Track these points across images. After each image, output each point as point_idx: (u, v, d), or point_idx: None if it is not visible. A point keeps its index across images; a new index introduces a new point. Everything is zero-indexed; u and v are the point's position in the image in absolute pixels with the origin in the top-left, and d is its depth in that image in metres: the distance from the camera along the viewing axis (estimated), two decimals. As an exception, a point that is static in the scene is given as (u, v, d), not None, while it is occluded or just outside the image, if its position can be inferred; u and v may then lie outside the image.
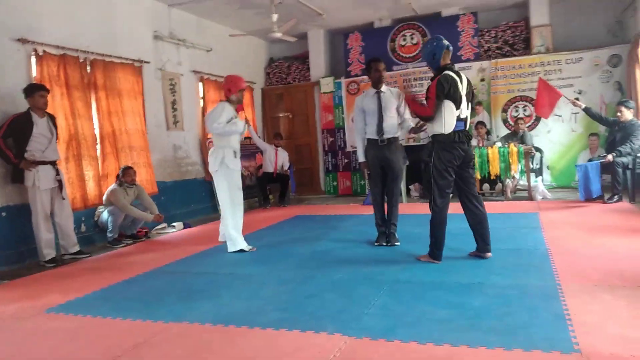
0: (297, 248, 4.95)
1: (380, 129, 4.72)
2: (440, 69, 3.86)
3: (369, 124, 4.79)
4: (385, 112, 4.72)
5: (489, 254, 4.04)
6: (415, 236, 5.00)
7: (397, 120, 4.78)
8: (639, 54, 7.05)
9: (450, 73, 3.79)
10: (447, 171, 3.91)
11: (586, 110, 6.91)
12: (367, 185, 5.13)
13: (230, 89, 5.09)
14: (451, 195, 4.03)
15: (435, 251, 3.98)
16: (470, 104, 3.98)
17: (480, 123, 7.94)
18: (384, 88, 4.82)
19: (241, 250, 4.96)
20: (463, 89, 3.85)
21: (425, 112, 3.91)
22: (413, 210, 6.59)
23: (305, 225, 6.33)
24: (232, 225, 5.01)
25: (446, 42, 3.87)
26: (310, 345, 2.55)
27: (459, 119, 3.85)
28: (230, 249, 4.99)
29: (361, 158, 4.91)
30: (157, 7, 7.28)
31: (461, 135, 3.86)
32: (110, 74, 6.26)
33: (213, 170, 5.08)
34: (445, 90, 3.75)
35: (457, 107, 3.81)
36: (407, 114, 4.78)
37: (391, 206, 4.87)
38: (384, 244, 4.82)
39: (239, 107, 5.22)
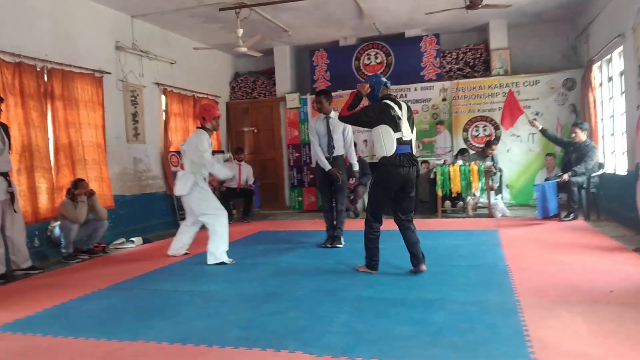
0: (260, 264, 4.88)
1: (330, 148, 5.47)
2: (380, 99, 4.13)
3: (321, 144, 5.53)
4: (333, 135, 5.46)
5: (423, 267, 4.17)
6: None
7: (342, 141, 5.52)
8: (591, 78, 7.37)
9: (386, 101, 4.06)
10: (383, 191, 4.12)
11: (543, 132, 7.14)
12: (336, 200, 5.60)
13: (205, 117, 5.10)
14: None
15: (371, 262, 4.24)
16: (413, 128, 4.16)
17: (465, 150, 8.20)
18: (331, 114, 5.49)
19: (222, 263, 4.95)
20: (403, 115, 4.05)
21: (342, 111, 4.20)
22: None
23: (269, 241, 6.26)
24: (221, 242, 4.99)
25: (384, 80, 4.19)
26: (271, 364, 2.50)
27: (401, 142, 4.00)
28: (211, 261, 4.95)
29: (327, 167, 5.46)
30: (120, 18, 7.16)
31: (402, 159, 4.00)
32: (69, 84, 6.09)
33: (182, 193, 5.09)
34: (369, 112, 4.06)
35: (395, 130, 3.97)
36: (350, 137, 5.57)
37: (337, 212, 5.55)
38: (329, 245, 5.47)
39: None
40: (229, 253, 5.06)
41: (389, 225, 4.40)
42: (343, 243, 5.51)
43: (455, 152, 8.42)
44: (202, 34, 8.57)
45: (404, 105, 4.12)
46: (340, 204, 5.56)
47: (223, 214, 5.11)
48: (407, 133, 4.05)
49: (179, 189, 5.12)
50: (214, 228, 5.02)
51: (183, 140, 8.27)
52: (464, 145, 8.71)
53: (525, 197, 8.38)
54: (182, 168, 5.28)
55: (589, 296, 3.32)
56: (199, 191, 5.09)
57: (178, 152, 8.14)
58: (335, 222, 5.59)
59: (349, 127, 5.51)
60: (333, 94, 9.21)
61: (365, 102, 4.26)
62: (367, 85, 4.18)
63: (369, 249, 4.24)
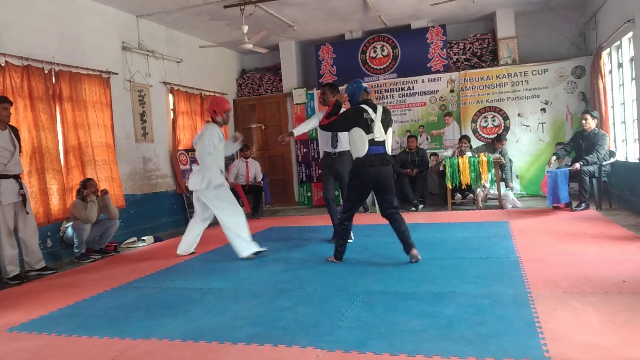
0: (271, 260, 4.90)
1: (334, 143, 5.33)
2: (358, 104, 4.42)
3: (324, 138, 5.43)
4: None
5: (415, 251, 4.33)
6: (387, 245, 5.01)
7: (347, 136, 5.26)
8: (601, 65, 7.28)
9: (362, 105, 4.35)
10: (356, 189, 4.41)
11: (557, 155, 6.98)
12: (342, 196, 5.53)
13: (215, 110, 5.13)
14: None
15: (337, 252, 4.55)
16: (387, 129, 4.40)
17: (465, 137, 8.02)
18: None
19: (257, 253, 5.02)
20: (377, 117, 4.30)
21: (321, 121, 4.53)
22: (384, 220, 6.60)
23: (279, 237, 6.28)
24: (239, 233, 5.03)
25: (364, 85, 4.52)
26: (282, 359, 2.51)
27: (374, 142, 4.28)
28: (245, 253, 5.00)
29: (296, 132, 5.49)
30: (125, 18, 7.18)
31: (373, 159, 4.27)
32: (77, 85, 6.13)
33: (198, 188, 5.06)
34: (342, 116, 4.39)
35: (368, 132, 4.25)
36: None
37: None
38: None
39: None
40: (230, 252, 5.12)
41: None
42: (353, 238, 5.49)
43: (470, 145, 8.31)
44: (208, 32, 8.58)
45: (379, 108, 4.38)
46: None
47: (239, 210, 5.14)
48: (380, 134, 4.31)
49: (196, 184, 5.06)
50: (230, 225, 5.03)
51: (191, 139, 8.35)
52: (473, 137, 8.66)
53: (536, 187, 8.31)
54: (196, 163, 5.25)
55: (602, 286, 3.29)
56: (213, 189, 5.07)
57: (186, 151, 8.19)
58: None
59: None
60: (340, 88, 9.28)
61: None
62: (346, 95, 4.49)
63: (337, 240, 4.58)
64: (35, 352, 2.87)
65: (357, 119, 4.26)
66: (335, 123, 4.44)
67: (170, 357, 2.65)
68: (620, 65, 6.88)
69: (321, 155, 5.76)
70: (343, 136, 5.37)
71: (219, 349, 2.69)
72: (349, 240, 5.43)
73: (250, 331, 2.92)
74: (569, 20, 8.67)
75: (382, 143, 4.33)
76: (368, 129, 4.25)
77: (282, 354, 2.57)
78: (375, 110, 4.32)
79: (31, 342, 3.03)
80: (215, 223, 5.51)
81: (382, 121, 4.33)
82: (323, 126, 4.52)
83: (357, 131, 4.27)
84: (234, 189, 7.80)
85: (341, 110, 4.55)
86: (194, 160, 8.16)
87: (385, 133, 4.35)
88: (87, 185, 5.68)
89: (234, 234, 5.04)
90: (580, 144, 6.73)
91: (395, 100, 9.08)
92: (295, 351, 2.58)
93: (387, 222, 4.48)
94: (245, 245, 5.03)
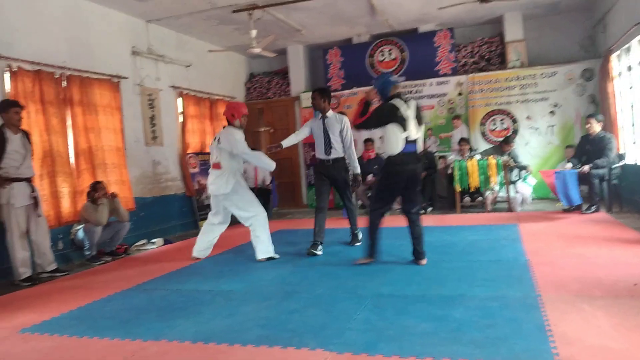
0: (279, 263, 4.92)
1: (327, 150, 5.22)
2: (388, 99, 4.26)
3: (317, 145, 5.32)
4: (330, 136, 5.20)
5: (423, 261, 4.36)
6: (396, 248, 5.00)
7: (340, 142, 5.23)
8: (610, 68, 7.24)
9: (393, 101, 4.19)
10: (388, 188, 4.36)
11: (572, 163, 6.86)
12: (343, 199, 5.47)
13: (234, 114, 5.17)
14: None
15: (369, 251, 4.52)
16: (421, 125, 4.31)
17: (464, 140, 7.99)
18: (329, 114, 5.25)
19: (271, 258, 5.06)
20: (411, 113, 4.18)
21: (355, 121, 4.44)
22: (394, 223, 6.61)
23: (287, 240, 6.29)
24: (259, 235, 5.08)
25: (394, 79, 4.40)
26: (292, 361, 2.52)
27: (407, 141, 4.18)
28: (263, 255, 5.05)
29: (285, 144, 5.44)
30: (135, 23, 7.25)
31: (406, 158, 4.19)
32: (87, 90, 6.20)
33: (224, 192, 5.05)
34: (377, 114, 4.24)
35: (404, 129, 4.13)
36: (349, 138, 5.23)
37: (349, 211, 5.44)
38: (317, 252, 5.15)
39: None
40: (238, 255, 5.17)
41: (396, 221, 4.41)
42: (361, 241, 5.50)
43: (470, 147, 8.32)
44: (217, 36, 8.63)
45: (412, 104, 4.25)
46: (349, 202, 5.41)
47: (262, 212, 5.17)
48: (414, 133, 4.22)
49: (220, 188, 5.04)
50: (256, 229, 5.08)
51: (200, 142, 8.39)
52: (482, 140, 8.65)
53: (546, 190, 8.26)
54: (216, 167, 5.13)
55: (612, 290, 3.27)
56: (241, 190, 5.13)
57: (196, 154, 8.23)
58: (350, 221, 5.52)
59: (348, 128, 5.22)
60: (347, 91, 9.34)
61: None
62: (374, 91, 4.38)
63: (369, 239, 4.51)
64: (46, 353, 2.90)
65: (393, 116, 4.13)
66: (369, 121, 4.32)
67: (180, 358, 2.67)
68: (629, 68, 6.84)
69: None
70: (337, 142, 5.21)
71: (229, 351, 2.71)
72: (357, 244, 5.44)
73: (259, 333, 2.93)
74: (577, 23, 8.64)
75: (415, 141, 4.24)
76: (404, 127, 4.14)
77: (291, 356, 2.58)
78: (408, 106, 4.19)
79: (42, 343, 3.06)
80: (232, 223, 5.54)
81: (415, 117, 4.22)
82: (358, 125, 4.42)
83: (393, 129, 4.15)
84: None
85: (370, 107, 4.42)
86: (203, 164, 8.21)
87: (419, 130, 4.26)
88: (96, 188, 5.73)
89: (254, 235, 5.12)
90: (587, 149, 6.68)
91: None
92: (304, 353, 2.59)
93: (395, 224, 4.48)
94: (261, 248, 5.08)
